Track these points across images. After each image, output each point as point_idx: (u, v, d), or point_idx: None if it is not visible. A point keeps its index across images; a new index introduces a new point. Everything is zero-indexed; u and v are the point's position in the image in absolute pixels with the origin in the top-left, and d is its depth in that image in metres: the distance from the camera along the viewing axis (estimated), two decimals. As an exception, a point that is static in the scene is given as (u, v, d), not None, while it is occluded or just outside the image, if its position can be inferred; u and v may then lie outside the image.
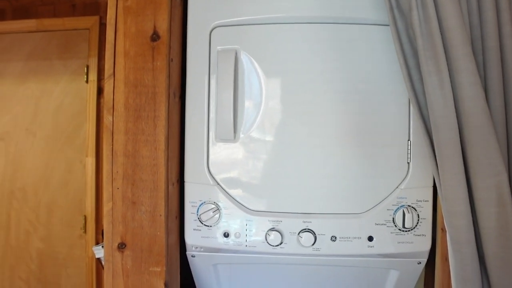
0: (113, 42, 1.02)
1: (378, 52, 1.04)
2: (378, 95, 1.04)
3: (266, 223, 1.05)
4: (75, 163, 2.01)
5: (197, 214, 1.06)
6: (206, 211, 1.05)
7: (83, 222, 1.99)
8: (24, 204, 2.05)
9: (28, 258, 2.04)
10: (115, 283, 1.02)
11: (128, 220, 1.01)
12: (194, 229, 1.07)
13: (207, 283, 1.19)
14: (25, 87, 2.05)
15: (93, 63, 1.98)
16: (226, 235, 1.06)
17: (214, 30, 1.06)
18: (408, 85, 0.90)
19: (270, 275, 1.15)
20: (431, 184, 1.04)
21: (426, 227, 1.04)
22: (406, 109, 1.04)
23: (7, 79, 2.07)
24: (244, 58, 1.06)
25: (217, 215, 1.05)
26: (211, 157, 1.07)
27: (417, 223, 1.03)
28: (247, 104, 1.06)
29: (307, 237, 1.03)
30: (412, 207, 1.03)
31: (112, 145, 1.01)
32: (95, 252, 1.88)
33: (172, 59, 1.04)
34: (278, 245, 1.05)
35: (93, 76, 1.98)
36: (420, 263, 1.07)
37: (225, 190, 1.06)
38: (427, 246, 1.04)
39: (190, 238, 1.08)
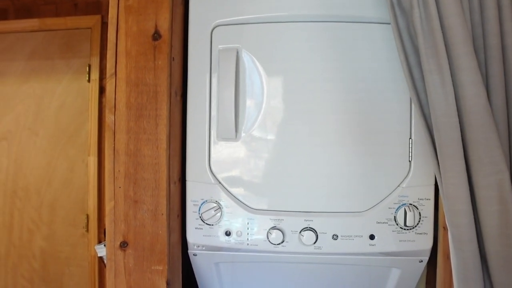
0: (115, 41, 1.02)
1: (379, 51, 1.04)
2: (380, 94, 1.04)
3: (268, 221, 1.05)
4: (77, 162, 2.01)
5: (199, 213, 1.06)
6: (207, 210, 1.05)
7: (86, 221, 1.99)
8: (27, 203, 2.05)
9: (31, 256, 2.05)
10: (117, 281, 1.02)
11: (130, 219, 1.01)
12: (196, 228, 1.08)
13: (208, 282, 1.19)
14: (27, 86, 2.05)
15: (95, 62, 1.98)
16: (227, 233, 1.06)
17: (215, 29, 1.06)
18: (410, 84, 0.90)
19: (271, 273, 1.15)
20: (433, 182, 1.03)
21: (427, 225, 1.04)
22: (407, 107, 1.04)
23: (10, 78, 2.07)
24: (245, 57, 1.06)
25: (218, 214, 1.05)
26: (212, 156, 1.07)
27: (419, 221, 1.03)
28: (249, 103, 1.06)
29: (308, 236, 1.03)
30: (413, 205, 1.03)
31: (114, 144, 1.01)
32: (97, 251, 1.88)
33: (173, 58, 1.04)
34: (279, 244, 1.05)
35: (95, 75, 1.98)
36: (421, 261, 1.07)
37: (226, 189, 1.06)
38: (429, 244, 1.04)
39: (192, 236, 1.08)
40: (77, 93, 2.01)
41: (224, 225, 1.06)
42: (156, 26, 1.01)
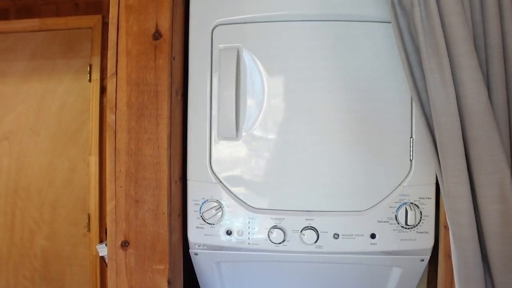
0: (116, 41, 1.02)
1: (380, 50, 1.04)
2: (380, 93, 1.04)
3: (269, 221, 1.05)
4: (78, 162, 2.01)
5: (200, 212, 1.06)
6: (208, 209, 1.05)
7: (87, 220, 1.99)
8: (28, 203, 2.05)
9: (32, 256, 2.05)
10: (118, 280, 1.02)
11: (131, 218, 1.01)
12: (197, 227, 1.08)
13: (210, 281, 1.19)
14: (28, 86, 2.06)
15: (96, 62, 1.98)
16: (228, 233, 1.06)
17: (216, 28, 1.06)
18: (410, 83, 0.90)
19: (272, 272, 1.15)
20: (434, 181, 1.03)
21: (429, 224, 1.04)
22: (408, 106, 1.04)
23: (11, 78, 2.07)
24: (246, 56, 1.06)
25: (219, 213, 1.06)
26: (213, 155, 1.07)
27: (420, 220, 1.03)
28: (249, 102, 1.06)
29: (309, 235, 1.03)
30: (414, 204, 1.03)
31: (115, 143, 1.01)
32: (98, 250, 1.89)
33: (174, 57, 1.04)
34: (280, 243, 1.05)
35: (96, 75, 1.98)
36: (423, 260, 1.07)
37: (227, 188, 1.07)
38: (430, 243, 1.04)
39: (193, 236, 1.08)
40: (78, 93, 2.01)
41: (225, 224, 1.06)
42: (156, 25, 1.01)
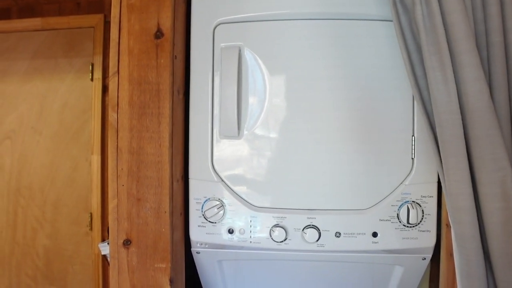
0: (117, 40, 1.02)
1: (382, 48, 1.04)
2: (382, 91, 1.04)
3: (271, 219, 1.05)
4: (80, 161, 2.02)
5: (202, 211, 1.06)
6: (210, 208, 1.05)
7: (89, 219, 2.00)
8: (31, 201, 2.06)
9: (34, 255, 2.06)
10: (120, 279, 1.03)
11: (133, 217, 1.01)
12: (198, 226, 1.08)
13: (212, 279, 1.19)
14: (30, 86, 2.06)
15: (98, 61, 1.99)
16: (230, 231, 1.07)
17: (217, 27, 1.07)
18: (412, 81, 0.90)
19: (274, 271, 1.15)
20: (436, 179, 1.03)
21: (430, 223, 1.04)
22: (410, 104, 1.04)
23: (13, 77, 2.08)
24: (247, 55, 1.06)
25: (221, 212, 1.06)
26: (215, 154, 1.07)
27: (422, 219, 1.03)
28: (251, 101, 1.06)
29: (311, 233, 1.03)
30: (416, 203, 1.03)
31: (117, 142, 1.01)
32: (101, 249, 1.89)
33: (176, 56, 1.04)
34: (282, 241, 1.05)
35: (98, 74, 1.99)
36: (425, 259, 1.07)
37: (229, 187, 1.07)
38: (432, 242, 1.04)
39: (195, 234, 1.08)
40: (80, 92, 2.02)
41: (227, 223, 1.07)
42: (158, 24, 1.01)
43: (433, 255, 1.07)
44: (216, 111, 1.07)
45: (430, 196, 1.03)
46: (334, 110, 1.04)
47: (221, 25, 1.07)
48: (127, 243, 1.02)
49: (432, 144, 0.88)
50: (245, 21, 1.06)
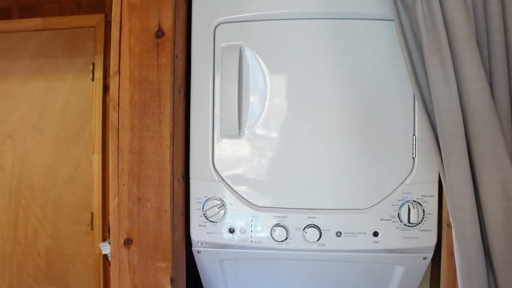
0: (118, 39, 1.02)
1: (382, 47, 1.03)
2: (383, 91, 1.04)
3: (271, 219, 1.05)
4: (81, 161, 2.02)
5: (203, 210, 1.07)
6: (211, 207, 1.05)
7: (90, 219, 2.00)
8: (32, 201, 2.06)
9: (36, 254, 2.06)
10: (121, 278, 1.03)
11: (134, 216, 1.01)
12: (199, 225, 1.08)
13: (212, 279, 1.19)
14: (31, 85, 2.07)
15: (99, 61, 1.99)
16: (231, 231, 1.07)
17: (218, 27, 1.07)
18: (413, 80, 0.90)
19: (275, 270, 1.15)
20: (437, 179, 1.03)
21: (431, 222, 1.04)
22: (411, 104, 1.03)
23: (14, 77, 2.08)
24: (248, 54, 1.06)
25: (222, 211, 1.06)
26: (216, 153, 1.07)
27: (423, 218, 1.03)
28: (252, 100, 1.06)
29: (312, 233, 1.03)
30: (417, 202, 1.03)
31: (118, 141, 1.01)
32: (102, 248, 1.89)
33: (176, 55, 1.04)
34: (283, 241, 1.05)
35: (99, 74, 1.99)
36: (425, 258, 1.07)
37: (230, 186, 1.07)
38: (433, 241, 1.04)
39: (196, 234, 1.08)
40: (81, 92, 2.02)
41: (228, 222, 1.07)
42: (159, 24, 1.01)
43: (434, 255, 1.07)
44: (217, 111, 1.07)
45: (431, 196, 1.03)
46: (335, 110, 1.04)
47: (222, 24, 1.07)
48: (128, 242, 1.02)
49: (433, 143, 0.88)
50: (246, 21, 1.06)
